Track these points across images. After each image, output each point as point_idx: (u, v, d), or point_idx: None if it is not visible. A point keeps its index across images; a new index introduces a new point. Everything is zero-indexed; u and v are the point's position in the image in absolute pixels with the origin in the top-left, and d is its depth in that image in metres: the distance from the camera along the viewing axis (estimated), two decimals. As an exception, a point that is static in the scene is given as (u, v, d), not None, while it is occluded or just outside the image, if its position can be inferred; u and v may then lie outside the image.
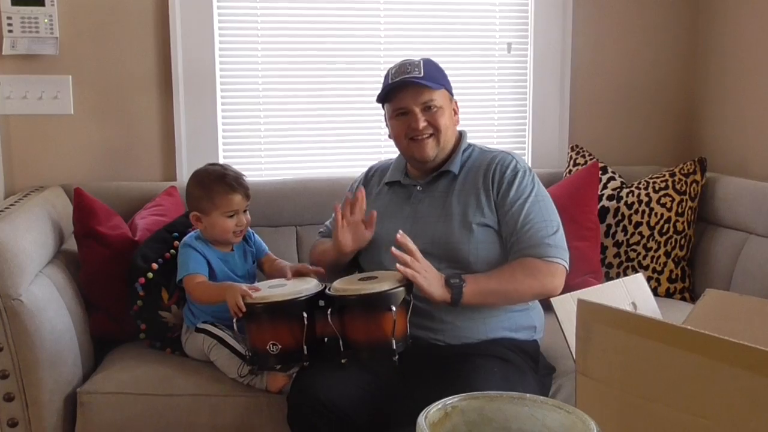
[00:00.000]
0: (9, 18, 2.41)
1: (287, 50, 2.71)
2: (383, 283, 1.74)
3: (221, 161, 2.67)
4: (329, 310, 1.73)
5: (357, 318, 1.73)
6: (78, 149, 2.57)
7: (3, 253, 1.78)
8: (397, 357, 1.71)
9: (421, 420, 0.93)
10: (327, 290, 1.78)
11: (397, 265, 1.71)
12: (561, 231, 1.89)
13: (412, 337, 1.77)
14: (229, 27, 2.66)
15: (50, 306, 1.91)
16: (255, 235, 2.16)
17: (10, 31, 2.42)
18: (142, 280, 2.08)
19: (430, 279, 1.76)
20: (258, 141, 2.74)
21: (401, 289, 1.72)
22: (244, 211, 2.03)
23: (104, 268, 2.12)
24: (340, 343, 1.74)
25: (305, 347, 1.74)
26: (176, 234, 2.15)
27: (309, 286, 1.81)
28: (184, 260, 2.00)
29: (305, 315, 1.73)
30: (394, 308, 1.69)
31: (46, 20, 2.44)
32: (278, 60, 2.71)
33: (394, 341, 1.70)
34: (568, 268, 1.88)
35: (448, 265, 1.85)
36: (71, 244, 2.23)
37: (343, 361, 1.73)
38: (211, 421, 1.92)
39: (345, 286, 1.77)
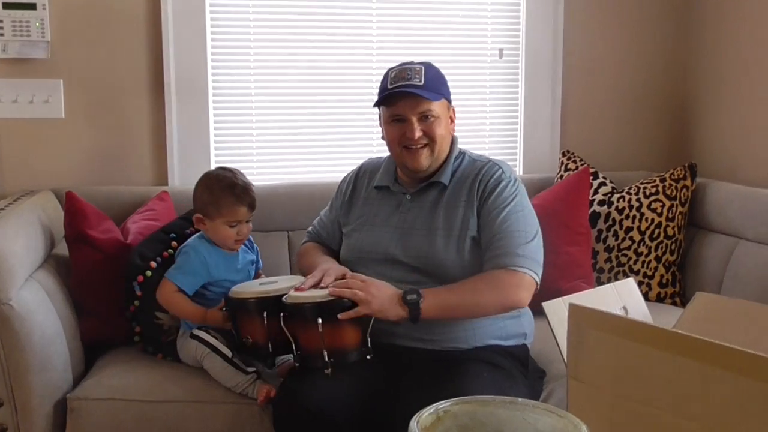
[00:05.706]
0: (0, 21, 2.40)
1: (279, 55, 2.71)
2: (317, 292, 1.75)
3: (212, 166, 2.67)
4: (282, 314, 1.76)
5: (296, 325, 1.76)
6: (69, 153, 2.56)
7: (-7, 258, 1.78)
8: (329, 370, 1.70)
9: (413, 424, 0.92)
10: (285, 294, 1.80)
11: (330, 288, 1.73)
12: (537, 243, 1.84)
13: (401, 346, 1.74)
14: (221, 31, 2.66)
15: (40, 310, 1.90)
16: (258, 250, 2.18)
17: (1, 35, 2.41)
18: (140, 278, 2.07)
19: (380, 299, 1.72)
20: (250, 146, 2.74)
21: (324, 301, 1.71)
22: (247, 221, 2.04)
23: (95, 271, 2.11)
24: (293, 346, 1.76)
25: (270, 345, 1.79)
26: (174, 235, 2.15)
27: (281, 286, 1.85)
28: (180, 264, 2.02)
29: (265, 314, 1.78)
30: (320, 320, 1.68)
31: (37, 24, 2.43)
32: (270, 65, 2.71)
33: (325, 352, 1.70)
34: (538, 282, 1.82)
35: (435, 281, 1.82)
36: (62, 249, 2.22)
37: (326, 371, 1.71)
38: (201, 427, 1.91)
39: (302, 293, 1.78)
